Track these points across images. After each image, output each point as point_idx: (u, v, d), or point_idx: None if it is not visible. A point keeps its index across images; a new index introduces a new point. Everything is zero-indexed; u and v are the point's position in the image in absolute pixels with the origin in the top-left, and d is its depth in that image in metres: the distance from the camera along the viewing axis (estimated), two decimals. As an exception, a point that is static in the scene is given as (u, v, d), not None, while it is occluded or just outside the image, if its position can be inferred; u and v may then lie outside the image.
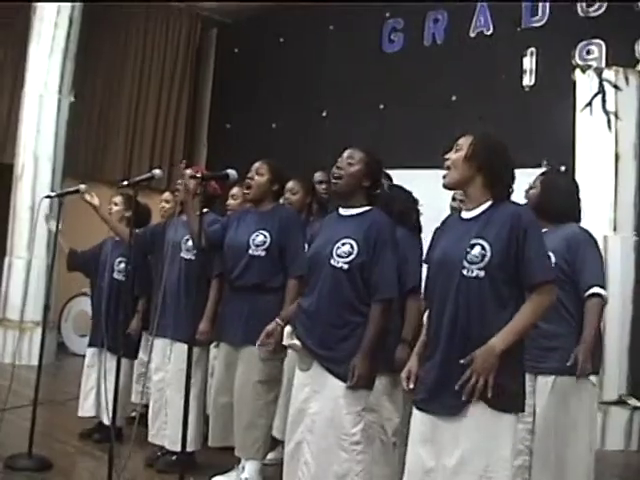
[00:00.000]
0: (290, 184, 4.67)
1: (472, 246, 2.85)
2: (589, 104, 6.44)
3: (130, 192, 4.64)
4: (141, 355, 5.64)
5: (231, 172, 3.57)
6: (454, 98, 8.51)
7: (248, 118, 10.64)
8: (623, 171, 6.49)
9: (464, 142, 3.01)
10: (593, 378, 3.63)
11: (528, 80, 7.92)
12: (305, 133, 9.89)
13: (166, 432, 4.72)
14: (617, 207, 6.46)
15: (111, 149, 10.71)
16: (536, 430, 3.60)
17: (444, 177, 3.04)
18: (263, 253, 4.29)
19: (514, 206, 3.00)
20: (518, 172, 6.70)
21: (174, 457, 4.64)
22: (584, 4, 7.47)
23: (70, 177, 8.69)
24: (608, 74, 6.53)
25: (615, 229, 6.45)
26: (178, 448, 4.40)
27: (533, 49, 7.87)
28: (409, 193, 4.36)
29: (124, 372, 5.22)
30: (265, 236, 4.31)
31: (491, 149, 2.99)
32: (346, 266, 3.44)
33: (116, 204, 5.46)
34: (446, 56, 8.64)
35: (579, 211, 3.90)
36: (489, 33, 8.32)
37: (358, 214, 3.57)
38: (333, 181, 3.59)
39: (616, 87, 6.48)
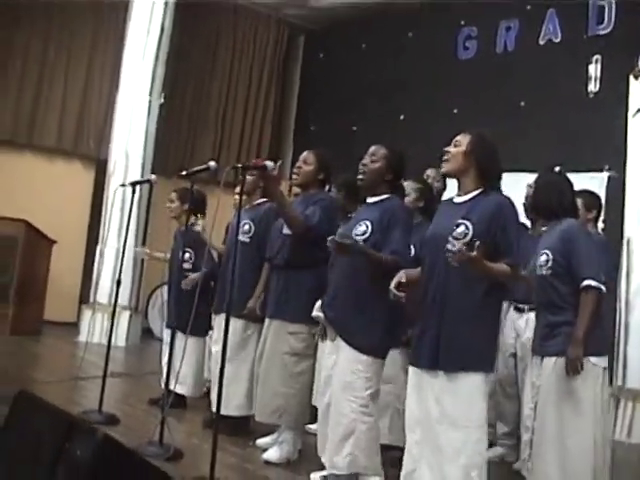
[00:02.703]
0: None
1: (458, 225, 3.38)
2: (640, 110, 6.66)
3: (186, 186, 5.15)
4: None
5: (269, 163, 4.07)
6: (522, 104, 8.79)
7: (331, 121, 11.17)
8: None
9: (463, 139, 3.53)
10: (594, 359, 3.73)
11: (593, 87, 8.13)
12: (384, 136, 10.18)
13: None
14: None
15: (199, 149, 11.35)
16: (538, 409, 3.83)
17: (443, 166, 3.57)
18: (289, 232, 4.61)
19: (501, 197, 3.49)
20: (582, 176, 7.01)
21: (231, 420, 5.08)
22: (649, 11, 7.65)
23: (159, 174, 9.25)
24: (661, 80, 6.73)
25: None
26: (227, 411, 4.97)
27: (598, 56, 8.09)
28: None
29: (195, 349, 5.82)
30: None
31: (485, 147, 3.51)
32: (361, 243, 3.88)
33: (172, 201, 6.01)
34: (516, 63, 8.96)
35: (575, 207, 4.08)
36: (557, 40, 8.58)
37: (379, 201, 4.06)
38: (359, 176, 4.07)
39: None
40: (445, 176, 3.66)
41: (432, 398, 3.39)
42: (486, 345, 3.41)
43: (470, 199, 3.49)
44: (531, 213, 4.94)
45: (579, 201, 4.31)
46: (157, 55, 9.45)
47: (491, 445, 5.28)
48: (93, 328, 8.74)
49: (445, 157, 3.55)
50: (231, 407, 5.05)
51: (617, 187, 7.15)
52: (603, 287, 3.76)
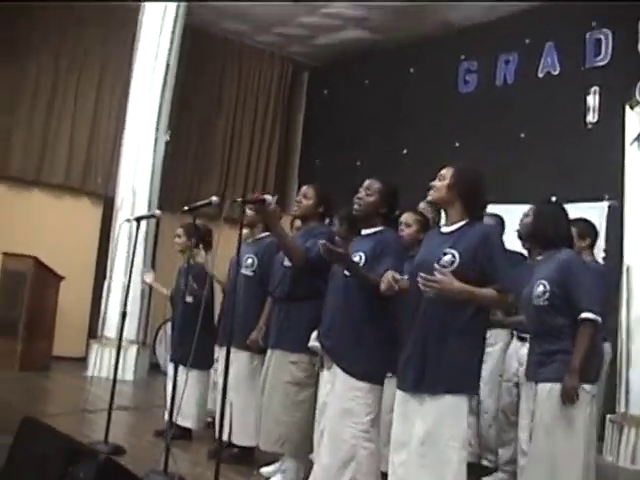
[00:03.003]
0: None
1: (445, 254, 3.49)
2: (637, 139, 6.74)
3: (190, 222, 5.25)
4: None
5: (268, 197, 4.19)
6: (522, 135, 8.93)
7: (335, 156, 11.37)
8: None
9: (447, 173, 3.63)
10: (587, 387, 3.84)
11: (592, 117, 8.25)
12: (387, 170, 10.38)
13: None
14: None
15: (205, 184, 11.50)
16: (532, 433, 3.94)
17: (429, 195, 3.71)
18: (289, 264, 4.76)
19: (486, 227, 3.69)
20: (583, 206, 7.08)
21: (236, 450, 5.21)
22: (645, 43, 7.78)
23: (165, 209, 9.36)
24: (656, 110, 6.82)
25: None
26: (240, 442, 5.08)
27: (596, 87, 8.22)
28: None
29: (198, 382, 5.88)
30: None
31: (468, 180, 3.61)
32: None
33: (179, 236, 6.10)
34: (516, 95, 9.13)
35: (571, 237, 4.20)
36: (556, 73, 8.73)
37: (372, 233, 4.18)
38: (355, 207, 4.18)
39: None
40: (433, 204, 3.81)
41: (418, 421, 3.45)
42: (471, 368, 3.50)
43: (456, 229, 3.59)
44: (527, 242, 5.01)
45: (573, 229, 4.38)
46: (163, 92, 9.60)
47: (494, 471, 5.35)
48: (101, 362, 8.80)
49: (431, 191, 3.68)
50: (243, 437, 5.16)
51: (617, 216, 7.23)
52: (600, 319, 3.85)
